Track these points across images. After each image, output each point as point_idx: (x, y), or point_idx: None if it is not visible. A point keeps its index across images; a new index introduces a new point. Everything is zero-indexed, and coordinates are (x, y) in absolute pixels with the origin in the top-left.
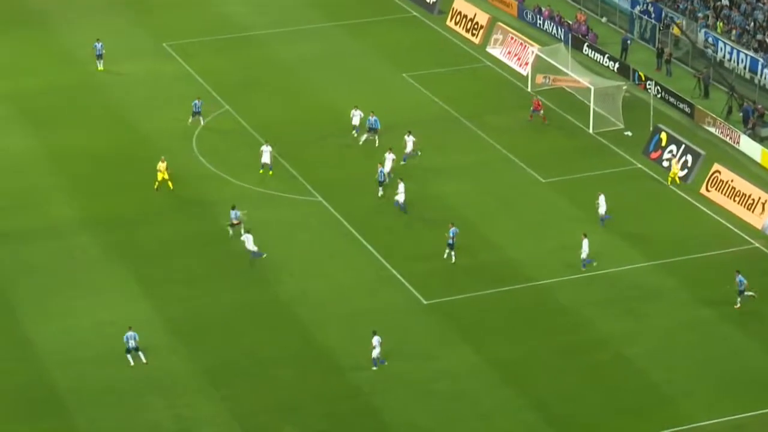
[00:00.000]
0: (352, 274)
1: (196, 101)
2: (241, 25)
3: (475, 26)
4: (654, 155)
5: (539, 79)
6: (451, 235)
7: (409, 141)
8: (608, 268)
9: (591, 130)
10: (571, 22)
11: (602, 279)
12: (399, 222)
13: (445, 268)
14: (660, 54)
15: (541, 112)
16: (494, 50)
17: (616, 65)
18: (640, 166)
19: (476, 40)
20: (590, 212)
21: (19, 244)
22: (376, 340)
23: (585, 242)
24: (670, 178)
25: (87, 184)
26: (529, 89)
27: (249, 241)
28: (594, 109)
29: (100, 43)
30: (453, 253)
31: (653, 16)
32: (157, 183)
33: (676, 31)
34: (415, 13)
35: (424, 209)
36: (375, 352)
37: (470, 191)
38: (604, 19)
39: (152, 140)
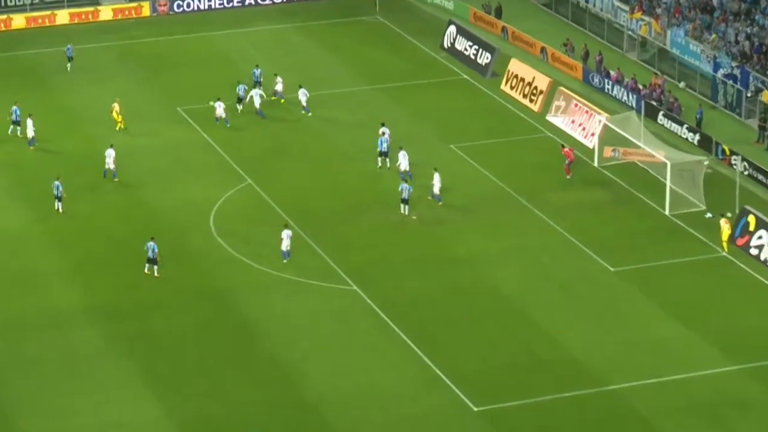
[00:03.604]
0: (389, 374)
1: (14, 107)
2: (266, 87)
3: (534, 91)
4: (740, 241)
5: (608, 152)
6: None
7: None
8: (689, 372)
9: (667, 212)
10: (643, 87)
11: (682, 384)
12: (446, 315)
13: (500, 369)
14: (763, 125)
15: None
16: (555, 119)
17: (696, 137)
18: (724, 253)
19: (535, 107)
20: (669, 307)
21: (14, 334)
22: (285, 234)
23: (436, 177)
24: (724, 243)
25: (90, 267)
26: (595, 164)
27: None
28: (671, 188)
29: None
30: None
31: (739, 80)
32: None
33: (765, 97)
34: (465, 76)
35: (477, 300)
36: (284, 245)
37: (528, 279)
38: (682, 84)
39: (165, 217)
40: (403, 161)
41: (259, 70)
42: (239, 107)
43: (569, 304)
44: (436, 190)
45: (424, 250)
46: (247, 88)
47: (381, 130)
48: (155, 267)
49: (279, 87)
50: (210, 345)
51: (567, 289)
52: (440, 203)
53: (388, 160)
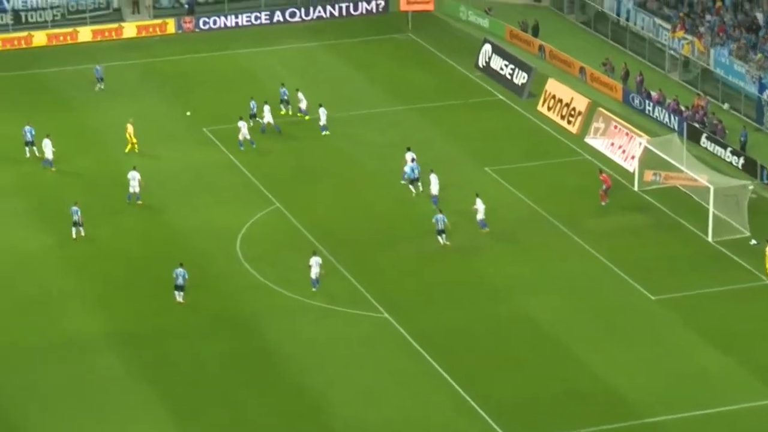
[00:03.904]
0: (421, 405)
1: (27, 127)
2: (293, 105)
3: (572, 112)
4: None
5: (648, 176)
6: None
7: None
8: (733, 404)
9: (710, 238)
10: (685, 109)
11: (726, 416)
12: (479, 344)
13: (536, 401)
14: None
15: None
16: (594, 141)
17: (741, 161)
18: None
19: (573, 129)
20: (712, 336)
21: (32, 361)
22: (314, 261)
23: (479, 202)
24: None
25: (111, 292)
26: (636, 188)
27: None
28: (714, 213)
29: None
30: None
31: None
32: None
33: None
34: (500, 96)
35: (512, 328)
36: (313, 272)
37: (564, 308)
38: (726, 106)
39: (190, 242)
40: (434, 185)
41: (284, 88)
42: (251, 123)
43: (608, 334)
44: (481, 215)
45: (458, 276)
46: (257, 104)
47: (411, 156)
48: (182, 293)
49: (303, 104)
50: (235, 374)
51: (606, 318)
52: (486, 230)
53: (420, 184)
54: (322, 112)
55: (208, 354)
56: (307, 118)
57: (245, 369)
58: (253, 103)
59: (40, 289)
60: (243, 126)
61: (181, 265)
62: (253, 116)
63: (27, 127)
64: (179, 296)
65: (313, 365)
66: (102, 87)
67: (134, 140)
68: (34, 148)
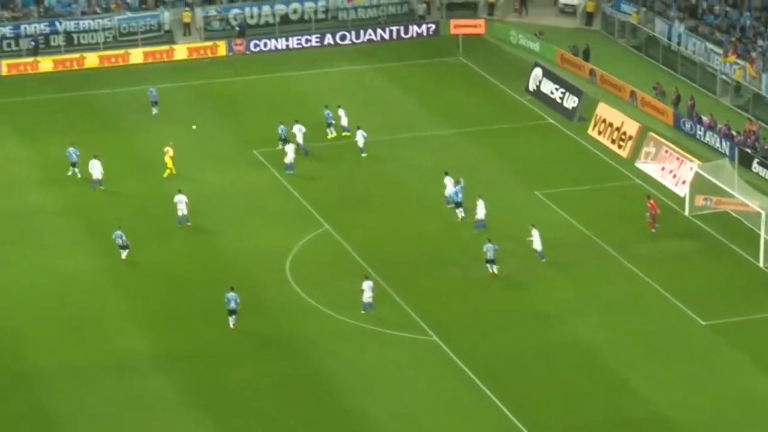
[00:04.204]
0: (469, 429)
1: (71, 149)
2: (338, 127)
3: (623, 136)
4: None
5: (699, 200)
6: None
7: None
8: None
9: (761, 264)
10: (737, 133)
11: None
12: (529, 369)
13: (585, 427)
14: None
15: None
16: (645, 165)
17: None
18: None
19: (624, 153)
20: (764, 362)
21: (78, 384)
22: (366, 285)
23: (535, 233)
24: None
25: (159, 314)
26: (686, 213)
27: None
28: (765, 239)
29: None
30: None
31: None
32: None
33: None
34: (551, 120)
35: (561, 354)
36: (365, 296)
37: (614, 333)
38: None
39: (239, 265)
40: (480, 210)
41: (327, 110)
42: (281, 146)
43: (658, 359)
44: (538, 246)
45: (507, 300)
46: (286, 128)
47: (456, 180)
48: (234, 317)
49: (344, 121)
50: (284, 397)
51: (655, 343)
52: (544, 260)
53: (463, 209)
54: (360, 135)
55: (257, 376)
56: (349, 134)
57: (294, 392)
58: (281, 128)
59: (89, 310)
60: (290, 149)
61: (232, 289)
62: (284, 140)
63: (71, 149)
64: (232, 322)
65: (361, 388)
66: (157, 111)
67: (171, 164)
68: (77, 169)
